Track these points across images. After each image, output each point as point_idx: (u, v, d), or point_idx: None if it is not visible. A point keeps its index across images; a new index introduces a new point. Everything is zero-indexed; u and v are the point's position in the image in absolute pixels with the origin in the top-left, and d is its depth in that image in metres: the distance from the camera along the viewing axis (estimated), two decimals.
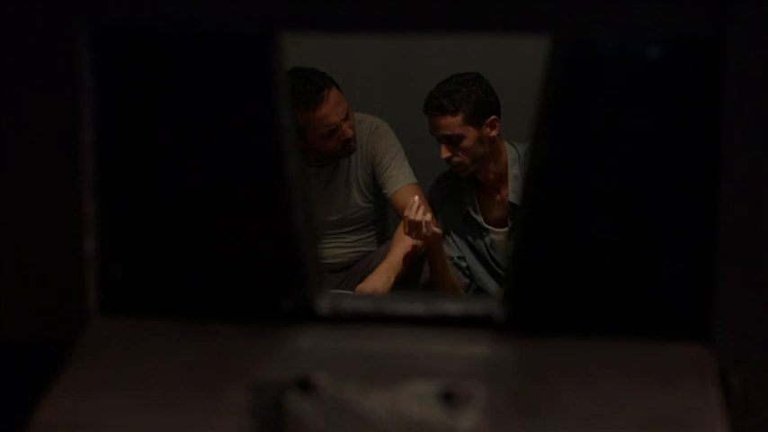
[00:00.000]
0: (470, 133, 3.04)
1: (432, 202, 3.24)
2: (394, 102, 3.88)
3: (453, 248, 3.21)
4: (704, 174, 0.86)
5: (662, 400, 0.82)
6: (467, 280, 3.26)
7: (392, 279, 3.01)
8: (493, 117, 3.07)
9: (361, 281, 3.08)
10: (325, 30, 0.91)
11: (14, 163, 0.91)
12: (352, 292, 3.07)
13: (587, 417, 0.80)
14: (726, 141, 0.84)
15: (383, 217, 3.42)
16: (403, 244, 3.06)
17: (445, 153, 3.06)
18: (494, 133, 3.08)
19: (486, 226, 3.21)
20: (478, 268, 3.23)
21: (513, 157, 3.14)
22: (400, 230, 3.10)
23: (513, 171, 3.13)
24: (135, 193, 0.92)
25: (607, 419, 0.80)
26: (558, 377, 0.84)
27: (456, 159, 3.06)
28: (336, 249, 3.31)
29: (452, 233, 3.22)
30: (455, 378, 0.81)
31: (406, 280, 3.13)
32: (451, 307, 0.91)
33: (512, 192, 3.12)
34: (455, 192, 3.23)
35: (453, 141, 3.04)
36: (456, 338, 0.90)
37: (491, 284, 3.23)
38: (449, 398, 0.79)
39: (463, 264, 3.23)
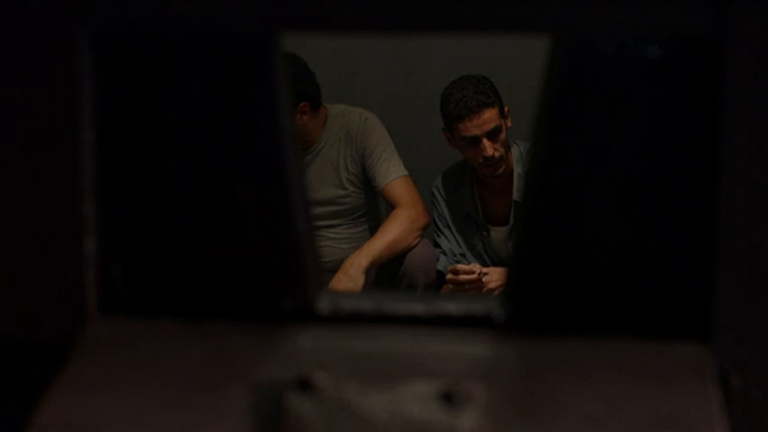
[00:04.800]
0: (503, 125, 3.06)
1: (435, 198, 3.25)
2: (394, 101, 3.88)
3: (454, 246, 3.22)
4: (704, 174, 0.86)
5: (662, 400, 0.82)
6: None
7: (363, 264, 2.99)
8: (507, 108, 3.09)
9: None
10: (325, 30, 0.91)
11: (15, 163, 0.91)
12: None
13: (587, 417, 0.80)
14: (726, 141, 0.84)
15: (374, 211, 3.40)
16: (387, 236, 3.06)
17: (491, 149, 3.03)
18: (510, 125, 3.10)
19: (487, 225, 3.22)
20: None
21: (516, 155, 3.15)
22: (387, 222, 3.10)
23: (518, 169, 3.14)
24: (135, 193, 0.92)
25: (607, 419, 0.80)
26: (558, 377, 0.84)
27: (497, 154, 3.04)
28: (328, 249, 3.29)
29: (454, 231, 3.23)
30: (455, 378, 0.81)
31: (407, 280, 3.13)
32: (451, 307, 0.91)
33: (516, 190, 3.13)
34: (458, 190, 3.24)
35: (494, 135, 3.03)
36: (456, 338, 0.90)
37: None
38: (449, 398, 0.79)
39: (464, 261, 3.23)
